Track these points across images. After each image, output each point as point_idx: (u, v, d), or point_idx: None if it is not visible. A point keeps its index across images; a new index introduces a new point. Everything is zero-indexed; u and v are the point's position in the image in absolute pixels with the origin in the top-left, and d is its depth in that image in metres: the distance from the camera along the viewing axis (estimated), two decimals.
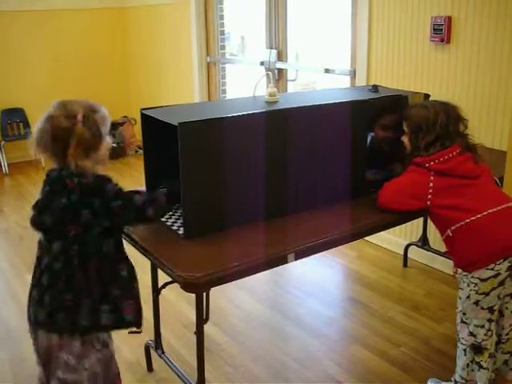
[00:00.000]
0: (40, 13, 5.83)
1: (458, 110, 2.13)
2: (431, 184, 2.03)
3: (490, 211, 1.98)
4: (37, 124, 1.70)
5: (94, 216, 1.67)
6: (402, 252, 3.51)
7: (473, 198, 2.02)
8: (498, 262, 1.96)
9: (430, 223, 3.22)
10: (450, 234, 2.03)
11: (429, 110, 2.10)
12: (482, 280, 1.98)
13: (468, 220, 1.97)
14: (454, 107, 2.12)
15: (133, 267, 1.82)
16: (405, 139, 2.16)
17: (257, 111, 1.97)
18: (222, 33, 5.16)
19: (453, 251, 2.08)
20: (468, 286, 2.02)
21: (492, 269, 1.96)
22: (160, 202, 1.84)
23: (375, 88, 2.47)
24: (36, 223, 1.74)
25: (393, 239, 3.67)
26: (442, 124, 2.06)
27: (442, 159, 2.04)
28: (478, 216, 1.97)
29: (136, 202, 1.74)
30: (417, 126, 2.10)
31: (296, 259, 1.85)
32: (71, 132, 1.65)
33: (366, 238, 3.71)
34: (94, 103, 1.77)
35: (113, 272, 1.76)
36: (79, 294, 1.70)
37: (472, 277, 2.00)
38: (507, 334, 2.16)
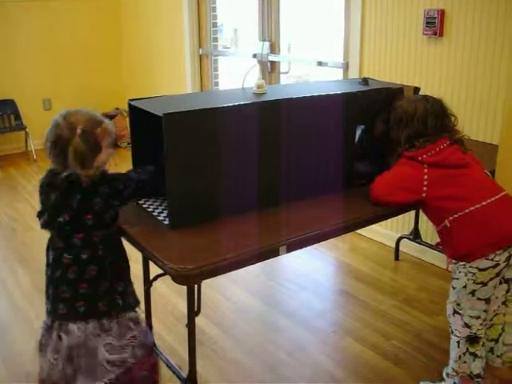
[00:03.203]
0: (32, 3, 5.78)
1: (442, 105, 2.13)
2: (426, 177, 2.03)
3: (488, 201, 1.99)
4: (47, 129, 1.82)
5: (105, 200, 1.81)
6: (393, 245, 3.52)
7: (468, 187, 2.03)
8: (498, 253, 1.96)
9: (421, 216, 3.23)
10: (448, 225, 2.02)
11: (410, 104, 2.12)
12: (481, 270, 1.98)
13: (467, 210, 1.98)
14: (437, 103, 2.12)
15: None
16: (390, 132, 2.18)
17: (242, 103, 1.97)
18: (215, 25, 5.14)
19: (449, 242, 2.07)
20: (465, 275, 2.02)
21: (492, 259, 1.97)
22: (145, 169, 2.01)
23: (365, 81, 2.47)
24: (51, 224, 1.84)
25: (384, 232, 3.67)
26: (420, 119, 2.08)
27: (433, 151, 2.04)
28: (477, 206, 1.98)
29: (130, 174, 1.94)
30: (397, 120, 2.12)
31: (288, 252, 1.85)
32: (69, 142, 1.76)
33: (358, 231, 3.71)
34: (98, 116, 1.87)
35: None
36: (110, 278, 1.84)
37: (470, 267, 2.00)
38: (491, 320, 2.16)
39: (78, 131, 1.76)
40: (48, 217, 1.83)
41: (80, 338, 1.81)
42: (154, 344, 2.05)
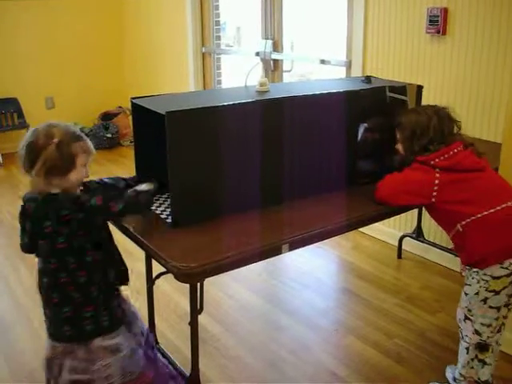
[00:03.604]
0: (34, 1, 5.78)
1: (449, 111, 2.12)
2: (437, 181, 1.99)
3: (503, 205, 1.96)
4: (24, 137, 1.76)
5: (53, 227, 1.69)
6: (396, 243, 3.52)
7: (482, 191, 2.00)
8: None
9: (424, 215, 3.22)
10: (461, 229, 1.99)
11: (420, 114, 2.10)
12: (495, 278, 1.95)
13: (479, 215, 1.95)
14: (444, 109, 2.12)
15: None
16: (399, 146, 2.16)
17: (245, 101, 1.97)
18: (218, 23, 5.14)
19: (462, 247, 2.04)
20: (478, 282, 1.99)
21: (506, 267, 1.94)
22: (126, 197, 1.80)
23: (368, 79, 2.46)
24: (21, 246, 1.86)
25: (387, 230, 3.67)
26: (436, 127, 2.06)
27: (446, 155, 2.01)
28: (491, 211, 1.94)
29: (93, 201, 1.69)
30: (411, 132, 2.09)
31: (290, 250, 1.85)
32: (41, 151, 1.68)
33: (361, 229, 3.71)
34: (81, 134, 1.77)
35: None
36: (74, 304, 1.76)
37: (484, 274, 1.97)
38: None
39: (55, 140, 1.68)
40: (20, 238, 1.84)
41: (54, 351, 1.81)
42: (148, 368, 1.92)
